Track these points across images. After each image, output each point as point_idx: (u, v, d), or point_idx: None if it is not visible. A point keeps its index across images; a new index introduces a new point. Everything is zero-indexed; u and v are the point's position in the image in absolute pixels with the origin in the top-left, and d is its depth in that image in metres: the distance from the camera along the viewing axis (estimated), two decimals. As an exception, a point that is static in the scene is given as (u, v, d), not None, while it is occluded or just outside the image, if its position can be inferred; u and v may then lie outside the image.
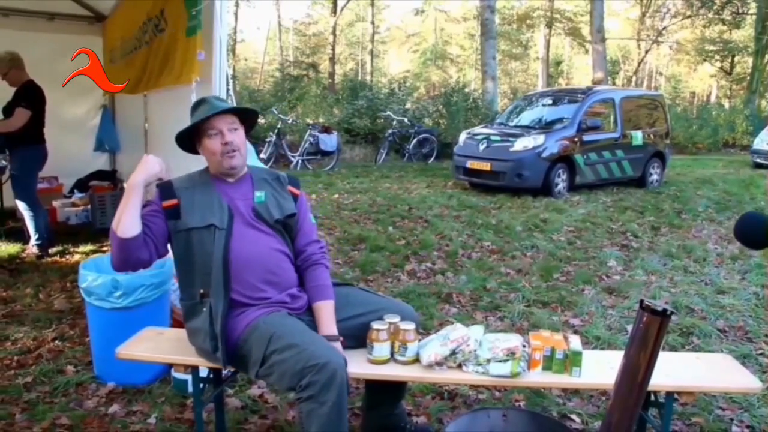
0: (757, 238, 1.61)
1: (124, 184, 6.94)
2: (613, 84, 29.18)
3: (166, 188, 2.45)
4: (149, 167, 2.42)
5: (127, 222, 2.29)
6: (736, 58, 32.91)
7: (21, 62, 5.43)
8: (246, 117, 2.56)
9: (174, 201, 2.41)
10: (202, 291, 2.37)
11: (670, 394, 2.35)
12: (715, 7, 28.50)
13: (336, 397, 2.08)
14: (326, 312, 2.44)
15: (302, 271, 2.56)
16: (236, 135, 2.45)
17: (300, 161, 13.12)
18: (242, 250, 2.39)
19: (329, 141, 13.18)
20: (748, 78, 27.27)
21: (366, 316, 2.47)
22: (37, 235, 5.58)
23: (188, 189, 2.45)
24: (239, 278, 2.37)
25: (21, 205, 5.54)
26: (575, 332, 4.06)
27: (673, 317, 4.32)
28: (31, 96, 5.39)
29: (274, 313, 2.35)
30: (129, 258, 2.32)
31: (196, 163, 3.68)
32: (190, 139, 2.53)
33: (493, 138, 10.32)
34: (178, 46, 3.84)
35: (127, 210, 2.31)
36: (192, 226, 2.38)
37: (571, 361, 2.33)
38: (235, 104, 3.39)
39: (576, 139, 9.97)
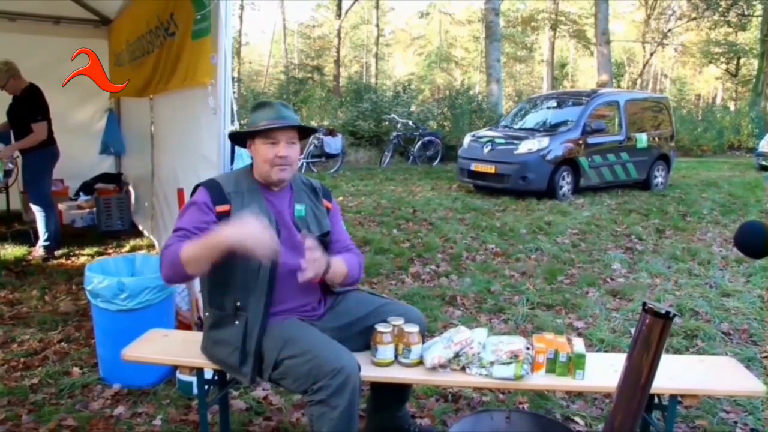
0: (757, 247, 1.62)
1: (130, 187, 6.94)
2: (618, 86, 29.14)
3: (216, 191, 2.35)
4: (254, 234, 2.08)
5: (200, 267, 2.21)
6: (742, 61, 32.84)
7: (17, 70, 5.40)
8: (305, 133, 2.55)
9: (227, 207, 2.33)
10: (238, 304, 2.32)
11: (673, 397, 2.35)
12: (720, 9, 28.44)
13: (347, 402, 2.10)
14: (340, 261, 2.46)
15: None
16: (292, 149, 2.40)
17: (305, 164, 13.14)
18: (287, 268, 2.36)
19: (334, 144, 13.21)
20: (754, 80, 27.20)
21: (371, 318, 2.48)
22: (46, 236, 5.61)
23: (238, 194, 2.37)
24: (277, 295, 2.35)
25: (34, 207, 5.58)
26: (579, 335, 4.05)
27: (678, 320, 4.32)
28: (39, 104, 5.42)
29: (288, 319, 2.35)
30: (184, 279, 2.33)
31: (204, 166, 3.71)
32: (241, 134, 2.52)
33: (497, 141, 10.32)
34: (185, 50, 3.86)
35: (205, 259, 2.16)
36: None
37: (575, 363, 2.34)
38: (237, 108, 3.39)
39: (580, 142, 9.97)
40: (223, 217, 2.31)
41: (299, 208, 2.49)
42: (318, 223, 2.52)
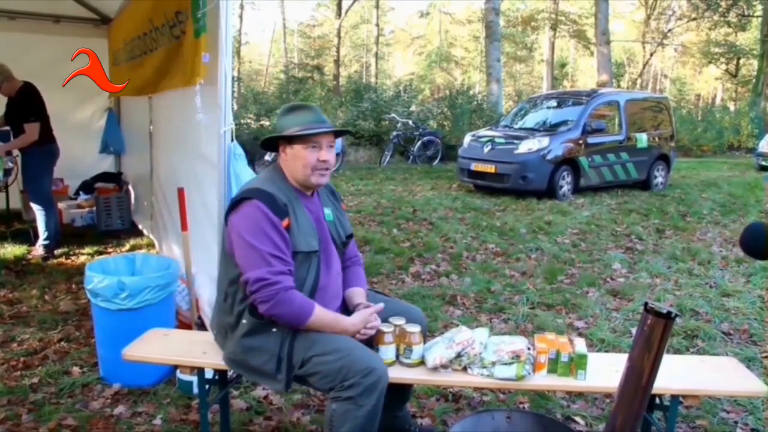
0: (760, 249, 1.62)
1: (130, 186, 6.93)
2: (618, 86, 29.13)
3: (274, 204, 2.28)
4: (366, 326, 2.35)
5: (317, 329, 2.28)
6: (742, 61, 32.84)
7: (10, 72, 5.37)
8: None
9: (288, 221, 2.30)
10: None
11: (674, 397, 2.35)
12: (720, 10, 28.44)
13: (375, 402, 2.13)
14: (364, 295, 2.52)
15: (346, 268, 2.62)
16: (332, 154, 2.43)
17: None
18: (326, 276, 2.40)
19: (334, 143, 13.19)
20: (754, 80, 27.19)
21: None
22: (46, 234, 5.60)
23: (290, 204, 2.35)
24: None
25: (34, 206, 5.57)
26: (579, 335, 4.05)
27: (678, 320, 4.32)
28: (33, 105, 5.40)
29: None
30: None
31: (203, 166, 3.70)
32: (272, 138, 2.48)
33: (497, 140, 10.32)
34: (188, 49, 3.85)
35: (324, 330, 2.29)
36: (299, 250, 2.31)
37: (576, 364, 2.33)
38: (236, 107, 3.38)
39: (580, 142, 9.96)
40: (287, 230, 2.29)
41: (327, 212, 2.52)
42: (342, 226, 2.57)
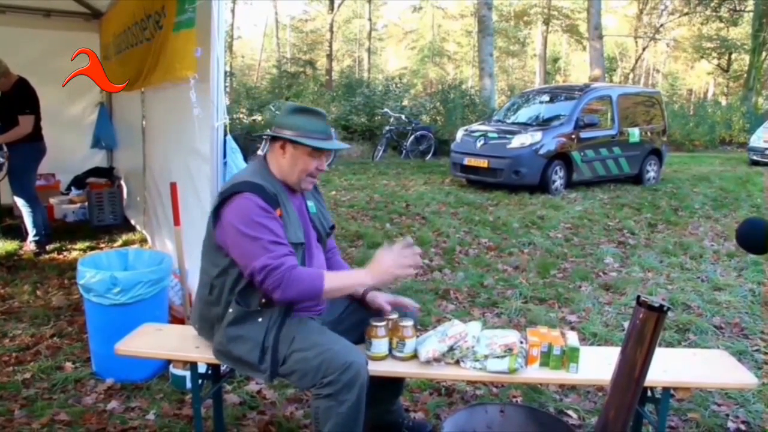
0: (759, 243, 1.63)
1: (122, 181, 6.88)
2: (611, 81, 29.18)
3: (266, 194, 2.27)
4: (393, 273, 2.32)
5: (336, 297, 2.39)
6: (733, 56, 32.90)
7: (7, 67, 5.32)
8: None
9: (280, 211, 2.30)
10: (264, 300, 2.28)
11: (666, 390, 2.36)
12: (712, 4, 28.49)
13: (356, 398, 2.12)
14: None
15: (330, 258, 2.67)
16: (325, 163, 2.50)
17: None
18: (311, 266, 2.42)
19: (326, 138, 13.15)
20: (745, 75, 27.29)
21: (365, 311, 2.49)
22: (34, 231, 5.57)
23: (280, 196, 2.34)
24: None
25: (19, 202, 5.53)
26: (572, 328, 4.07)
27: (670, 314, 4.34)
28: (28, 98, 5.36)
29: (296, 316, 2.35)
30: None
31: (196, 160, 3.69)
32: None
33: (490, 135, 10.32)
34: (168, 42, 3.84)
35: (345, 294, 2.42)
36: (289, 241, 2.28)
37: (569, 357, 2.34)
38: (228, 102, 3.38)
39: (573, 136, 9.98)
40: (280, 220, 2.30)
41: (310, 204, 2.55)
42: (325, 218, 2.60)
